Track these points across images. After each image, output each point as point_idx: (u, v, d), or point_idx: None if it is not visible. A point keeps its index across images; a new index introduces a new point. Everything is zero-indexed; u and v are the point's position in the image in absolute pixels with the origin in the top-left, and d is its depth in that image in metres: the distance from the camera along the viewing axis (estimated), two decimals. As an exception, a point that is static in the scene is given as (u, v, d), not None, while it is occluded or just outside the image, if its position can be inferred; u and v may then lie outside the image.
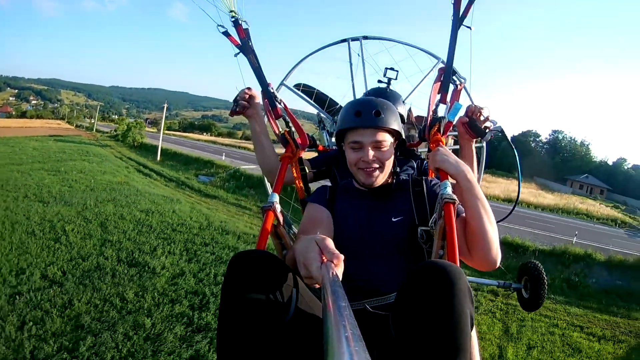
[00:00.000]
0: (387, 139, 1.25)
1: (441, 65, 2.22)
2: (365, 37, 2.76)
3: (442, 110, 1.54)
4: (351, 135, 1.26)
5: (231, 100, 1.62)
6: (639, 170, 49.57)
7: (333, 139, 2.06)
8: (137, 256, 6.30)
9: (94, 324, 4.20)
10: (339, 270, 0.69)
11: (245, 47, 1.55)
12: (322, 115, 2.88)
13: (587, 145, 54.97)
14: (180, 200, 11.69)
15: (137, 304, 4.74)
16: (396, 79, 2.58)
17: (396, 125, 1.26)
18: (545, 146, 58.85)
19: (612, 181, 45.99)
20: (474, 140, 1.56)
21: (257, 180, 15.76)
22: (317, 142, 2.24)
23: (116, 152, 27.11)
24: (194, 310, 4.67)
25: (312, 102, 2.84)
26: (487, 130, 1.47)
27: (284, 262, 0.96)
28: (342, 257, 0.71)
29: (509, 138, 1.54)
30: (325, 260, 0.70)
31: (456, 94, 1.54)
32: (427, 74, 2.73)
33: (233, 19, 1.50)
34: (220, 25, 1.52)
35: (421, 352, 0.77)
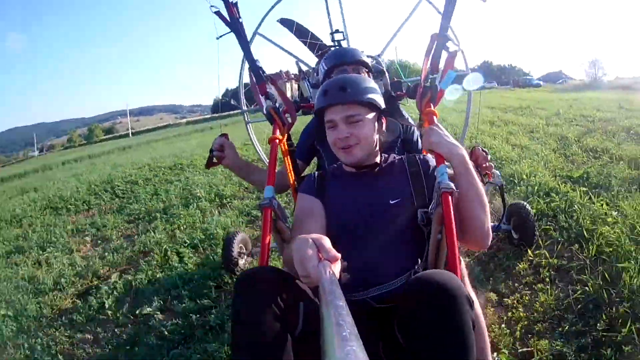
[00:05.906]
0: (359, 112, 1.19)
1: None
2: None
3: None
4: (325, 115, 1.23)
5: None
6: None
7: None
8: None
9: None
10: (336, 268, 0.69)
11: (236, 26, 1.52)
12: (301, 65, 2.80)
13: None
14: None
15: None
16: (344, 39, 2.54)
17: (366, 95, 1.20)
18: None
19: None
20: None
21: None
22: (298, 100, 2.28)
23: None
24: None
25: (289, 51, 2.78)
26: (487, 181, 1.46)
27: (289, 274, 1.00)
28: (339, 255, 0.71)
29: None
30: (322, 259, 0.70)
31: (450, 61, 1.37)
32: (412, 13, 2.63)
33: None
34: (212, 6, 1.47)
35: None
